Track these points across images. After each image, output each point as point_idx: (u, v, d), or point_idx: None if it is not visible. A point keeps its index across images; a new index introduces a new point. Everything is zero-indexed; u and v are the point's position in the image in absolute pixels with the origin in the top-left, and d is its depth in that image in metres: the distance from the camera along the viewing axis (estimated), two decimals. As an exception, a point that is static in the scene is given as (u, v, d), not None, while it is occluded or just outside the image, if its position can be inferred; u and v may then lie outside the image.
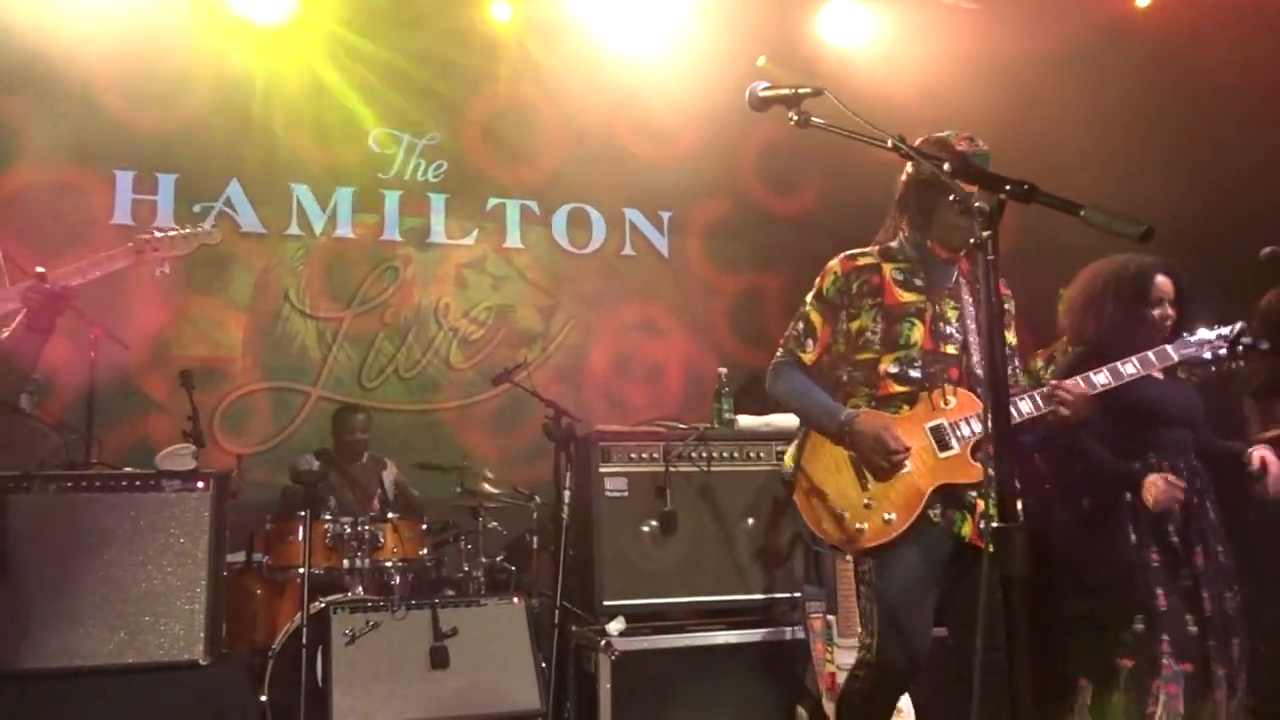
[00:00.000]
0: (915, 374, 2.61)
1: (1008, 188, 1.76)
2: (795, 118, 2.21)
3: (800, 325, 2.79)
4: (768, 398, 2.87)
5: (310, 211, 6.30)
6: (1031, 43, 5.43)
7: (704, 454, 4.23)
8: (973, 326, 2.65)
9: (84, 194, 5.85)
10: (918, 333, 2.62)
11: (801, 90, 2.22)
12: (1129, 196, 3.86)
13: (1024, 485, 2.24)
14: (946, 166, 1.81)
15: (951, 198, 1.77)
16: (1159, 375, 3.00)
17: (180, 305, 5.95)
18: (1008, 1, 5.58)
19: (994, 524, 1.73)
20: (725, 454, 4.27)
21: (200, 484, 3.63)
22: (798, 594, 3.98)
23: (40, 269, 2.55)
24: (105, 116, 5.78)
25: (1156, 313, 3.14)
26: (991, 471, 2.32)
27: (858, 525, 2.55)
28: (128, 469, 3.81)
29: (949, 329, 2.64)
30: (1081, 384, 2.65)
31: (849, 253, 2.77)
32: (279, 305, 6.19)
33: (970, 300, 2.69)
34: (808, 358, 2.75)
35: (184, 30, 5.78)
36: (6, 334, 2.55)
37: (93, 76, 5.65)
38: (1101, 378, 2.69)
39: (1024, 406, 2.59)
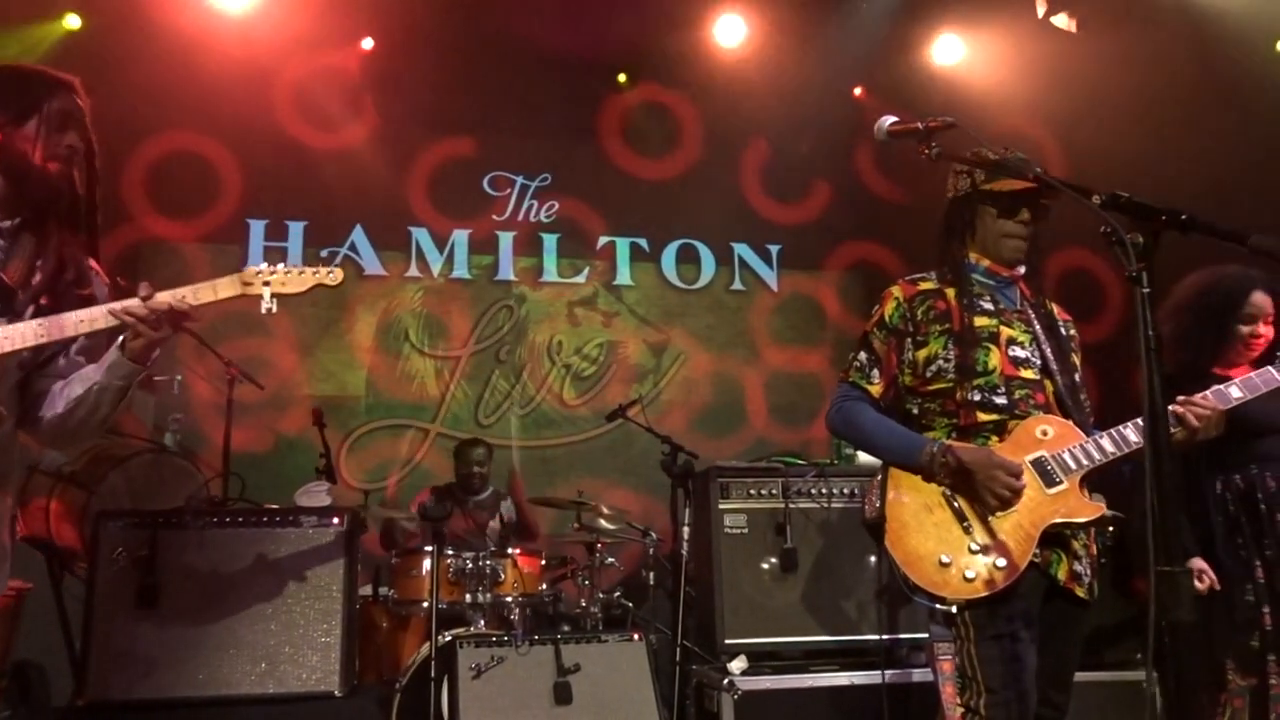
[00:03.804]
0: (1001, 400, 2.43)
1: (1163, 218, 1.70)
2: (929, 152, 2.18)
3: (863, 355, 2.59)
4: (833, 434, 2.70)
5: (429, 254, 6.53)
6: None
7: (824, 490, 4.17)
8: (1048, 351, 2.51)
9: (219, 241, 6.18)
10: (994, 358, 2.45)
11: (933, 124, 2.20)
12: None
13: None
14: (1096, 199, 1.75)
15: (1103, 229, 1.72)
16: None
17: (308, 346, 6.22)
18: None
19: (1159, 568, 1.64)
20: (845, 490, 4.20)
21: (335, 519, 3.76)
22: (923, 635, 3.87)
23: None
24: (241, 167, 6.11)
25: (1246, 329, 2.98)
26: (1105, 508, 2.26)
27: (967, 573, 2.30)
28: (268, 505, 3.97)
29: (1024, 353, 2.49)
30: (1213, 398, 2.43)
31: (909, 277, 2.63)
32: (400, 345, 6.40)
33: (1039, 323, 2.55)
34: (875, 390, 2.55)
35: (311, 85, 6.09)
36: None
37: (232, 130, 5.98)
38: (1236, 390, 2.46)
39: (1130, 435, 2.39)
